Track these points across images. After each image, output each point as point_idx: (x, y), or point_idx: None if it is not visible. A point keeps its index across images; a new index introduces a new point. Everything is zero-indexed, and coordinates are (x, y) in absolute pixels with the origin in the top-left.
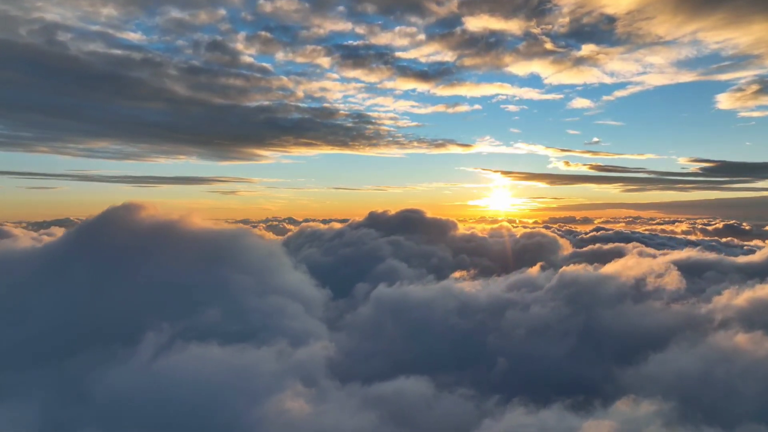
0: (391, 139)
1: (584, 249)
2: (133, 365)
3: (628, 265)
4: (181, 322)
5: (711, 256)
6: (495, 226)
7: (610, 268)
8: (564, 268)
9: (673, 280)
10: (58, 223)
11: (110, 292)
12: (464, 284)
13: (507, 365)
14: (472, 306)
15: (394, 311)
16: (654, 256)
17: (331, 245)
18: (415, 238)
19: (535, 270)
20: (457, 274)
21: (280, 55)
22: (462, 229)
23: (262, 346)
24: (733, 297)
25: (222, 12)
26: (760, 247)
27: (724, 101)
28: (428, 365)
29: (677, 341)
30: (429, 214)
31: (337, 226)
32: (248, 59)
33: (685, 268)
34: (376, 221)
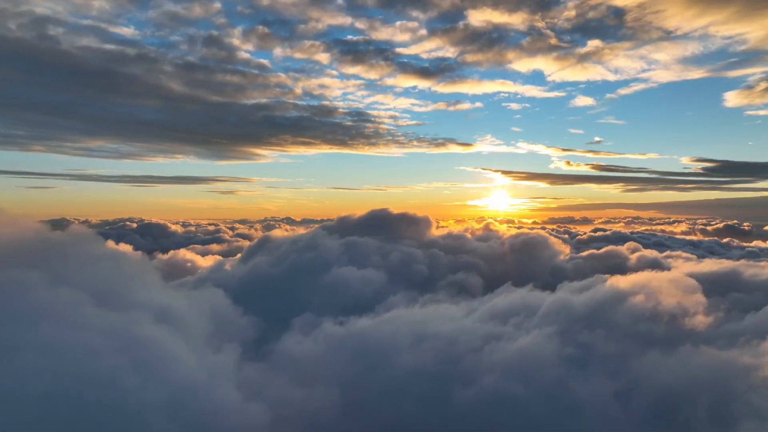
0: (390, 138)
1: (582, 254)
2: None
3: (639, 283)
4: None
5: (727, 264)
6: (481, 225)
7: (616, 286)
8: (558, 293)
9: (697, 306)
10: (54, 223)
11: None
12: (431, 310)
13: None
14: (430, 347)
15: (323, 354)
16: (657, 260)
17: (282, 253)
18: (380, 238)
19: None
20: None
21: (278, 51)
22: (444, 228)
23: None
24: None
25: (217, 5)
26: (761, 248)
27: (732, 99)
28: None
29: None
30: (395, 211)
31: (302, 230)
32: (245, 55)
33: (703, 284)
34: (345, 224)
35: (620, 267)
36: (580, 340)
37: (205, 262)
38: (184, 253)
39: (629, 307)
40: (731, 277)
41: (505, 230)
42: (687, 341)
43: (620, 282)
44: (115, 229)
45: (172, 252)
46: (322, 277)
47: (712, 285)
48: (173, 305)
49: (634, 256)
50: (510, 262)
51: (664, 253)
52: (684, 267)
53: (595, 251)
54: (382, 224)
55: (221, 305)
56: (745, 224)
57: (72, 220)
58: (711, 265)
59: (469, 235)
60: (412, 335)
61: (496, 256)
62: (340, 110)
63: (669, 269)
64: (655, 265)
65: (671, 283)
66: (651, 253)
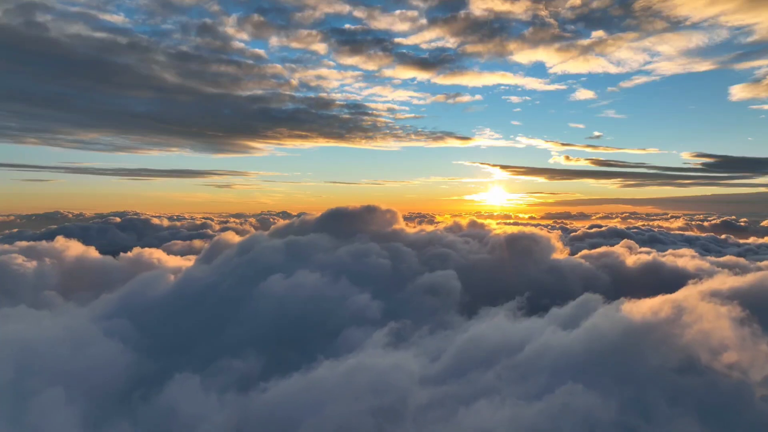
0: (388, 131)
1: (576, 256)
2: None
3: (652, 310)
4: None
5: (752, 277)
6: (466, 220)
7: (620, 318)
8: (546, 330)
9: (746, 350)
10: (49, 216)
11: None
12: (376, 355)
13: None
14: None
15: (200, 419)
16: (657, 262)
17: (218, 261)
18: (339, 237)
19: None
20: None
21: (273, 40)
22: (440, 223)
23: None
24: None
25: None
26: (757, 245)
27: (738, 93)
28: None
29: None
30: (353, 207)
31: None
32: (240, 45)
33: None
34: (304, 225)
35: (617, 269)
36: (578, 411)
37: (174, 261)
38: (151, 252)
39: (643, 353)
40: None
41: (493, 226)
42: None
43: (625, 311)
44: (98, 224)
45: (136, 250)
46: (247, 291)
47: (746, 306)
48: None
49: (631, 258)
50: (493, 264)
51: (666, 253)
52: (705, 281)
53: (588, 252)
54: (342, 222)
55: (55, 336)
56: (742, 220)
57: (66, 213)
58: (734, 280)
59: (440, 232)
60: (338, 399)
61: (477, 256)
62: (338, 102)
63: (670, 270)
64: (655, 267)
65: (696, 309)
66: (650, 255)
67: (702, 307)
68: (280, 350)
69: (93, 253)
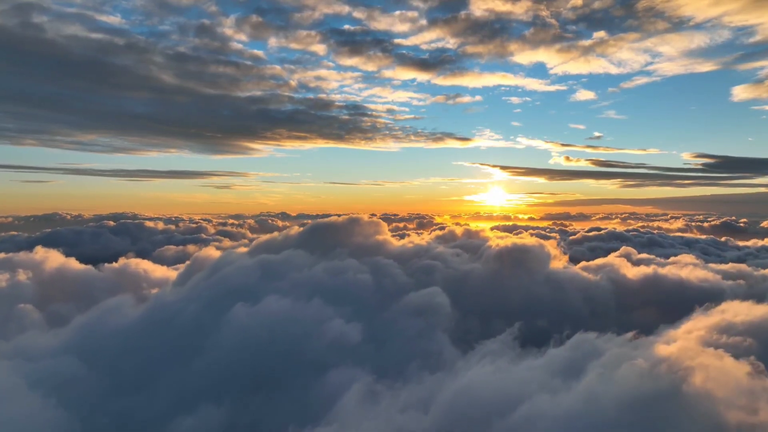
0: (387, 132)
1: (574, 267)
2: None
3: (668, 375)
4: None
5: None
6: (460, 229)
7: (634, 387)
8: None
9: None
10: (47, 217)
11: None
12: None
13: None
14: None
15: None
16: (659, 276)
17: (197, 279)
18: (320, 253)
19: None
20: None
21: (272, 41)
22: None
23: None
24: None
25: None
26: (758, 248)
27: (741, 93)
28: None
29: None
30: (335, 220)
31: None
32: (238, 46)
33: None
34: (288, 239)
35: (617, 282)
36: None
37: (161, 271)
38: (138, 262)
39: (649, 426)
40: None
41: (489, 234)
42: None
43: (624, 375)
44: (91, 228)
45: (123, 260)
46: (210, 324)
47: (762, 345)
48: None
49: (632, 271)
50: (486, 278)
51: (667, 261)
52: (713, 311)
53: (587, 263)
54: (324, 236)
55: None
56: (742, 220)
57: (64, 214)
58: (747, 311)
59: (429, 243)
60: None
61: (469, 270)
62: (337, 103)
63: (672, 283)
64: (657, 280)
65: (708, 361)
66: (650, 267)
67: (715, 359)
68: (241, 401)
69: (74, 263)
